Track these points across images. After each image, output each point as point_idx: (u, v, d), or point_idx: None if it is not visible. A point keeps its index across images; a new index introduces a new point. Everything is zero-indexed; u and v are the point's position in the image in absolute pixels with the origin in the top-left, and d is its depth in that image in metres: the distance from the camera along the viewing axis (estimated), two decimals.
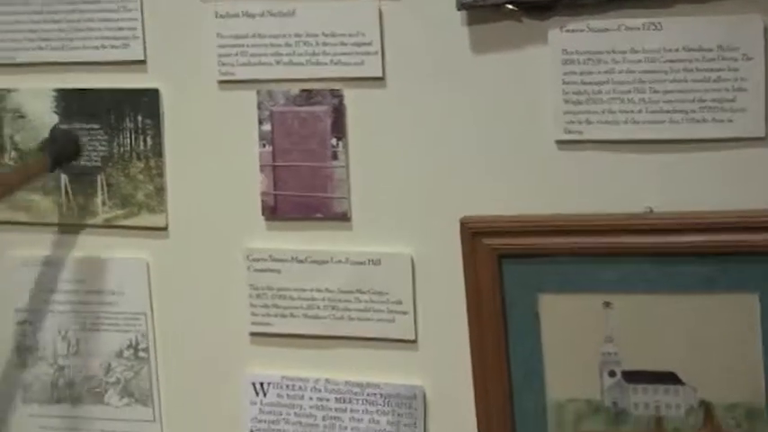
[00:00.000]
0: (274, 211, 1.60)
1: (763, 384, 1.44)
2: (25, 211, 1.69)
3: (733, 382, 1.45)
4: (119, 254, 1.67)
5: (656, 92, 1.43)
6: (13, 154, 1.69)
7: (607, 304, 1.47)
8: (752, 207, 1.42)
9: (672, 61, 1.42)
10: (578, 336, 1.49)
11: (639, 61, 1.43)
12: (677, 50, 1.42)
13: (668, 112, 1.43)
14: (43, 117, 1.67)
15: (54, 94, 1.66)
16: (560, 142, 1.47)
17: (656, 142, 1.44)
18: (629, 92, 1.44)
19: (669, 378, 1.47)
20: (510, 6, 1.44)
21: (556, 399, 1.51)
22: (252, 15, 1.56)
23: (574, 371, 1.50)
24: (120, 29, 1.61)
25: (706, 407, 1.46)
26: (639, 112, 1.44)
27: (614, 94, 1.45)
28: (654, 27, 1.42)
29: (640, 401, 1.48)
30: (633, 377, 1.48)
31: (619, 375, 1.48)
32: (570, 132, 1.47)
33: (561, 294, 1.49)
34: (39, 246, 1.70)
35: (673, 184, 1.45)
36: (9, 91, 1.68)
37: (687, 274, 1.44)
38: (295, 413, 1.62)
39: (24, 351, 1.72)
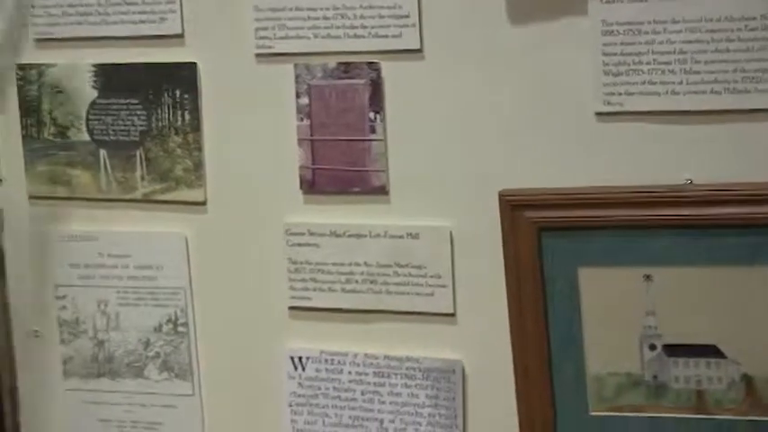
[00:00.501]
0: (312, 185, 1.60)
1: None
2: (65, 185, 1.70)
3: None
4: (157, 228, 1.68)
5: (697, 62, 1.42)
6: (52, 129, 1.69)
7: (647, 277, 1.46)
8: None
9: (713, 31, 1.41)
10: (618, 309, 1.48)
11: (680, 31, 1.42)
12: (719, 20, 1.40)
13: (709, 82, 1.42)
14: (81, 92, 1.67)
15: (92, 68, 1.66)
16: (600, 114, 1.46)
17: (697, 113, 1.43)
18: (670, 63, 1.43)
19: (711, 351, 1.46)
20: None
21: (595, 372, 1.50)
22: None
23: (614, 344, 1.49)
24: (158, 2, 1.61)
25: (748, 381, 1.45)
26: (680, 83, 1.43)
27: (654, 65, 1.43)
28: None
29: (681, 375, 1.48)
30: (674, 350, 1.47)
31: (659, 349, 1.48)
32: (610, 104, 1.46)
33: (601, 267, 1.48)
34: (78, 220, 1.71)
35: (713, 155, 1.43)
36: (48, 66, 1.69)
37: (728, 246, 1.43)
38: (334, 387, 1.62)
39: (64, 325, 1.73)
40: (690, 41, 1.41)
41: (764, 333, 1.43)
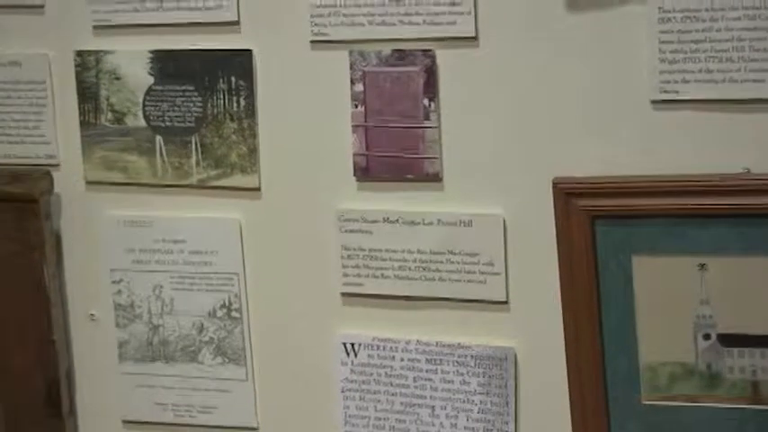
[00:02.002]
0: (366, 172, 1.60)
1: None
2: (121, 171, 1.71)
3: None
4: (212, 214, 1.68)
5: (755, 50, 1.40)
6: (109, 115, 1.70)
7: (702, 266, 1.45)
8: None
9: None
10: (672, 298, 1.47)
11: (738, 18, 1.40)
12: None
13: None
14: (138, 79, 1.68)
15: (149, 55, 1.67)
16: (656, 102, 1.46)
17: (755, 101, 1.42)
18: (728, 50, 1.42)
19: (766, 342, 1.45)
20: None
21: (648, 361, 1.50)
22: None
23: (667, 333, 1.48)
24: None
25: None
26: (738, 70, 1.41)
27: (712, 53, 1.42)
28: None
29: (736, 365, 1.47)
30: (729, 340, 1.46)
31: (714, 338, 1.47)
32: (666, 92, 1.45)
33: (655, 256, 1.47)
34: (134, 206, 1.72)
35: None
36: (105, 53, 1.70)
37: None
38: (386, 373, 1.63)
39: (120, 309, 1.74)
40: (748, 29, 1.40)
41: None
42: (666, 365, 1.49)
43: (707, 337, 1.47)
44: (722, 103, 1.43)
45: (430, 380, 1.60)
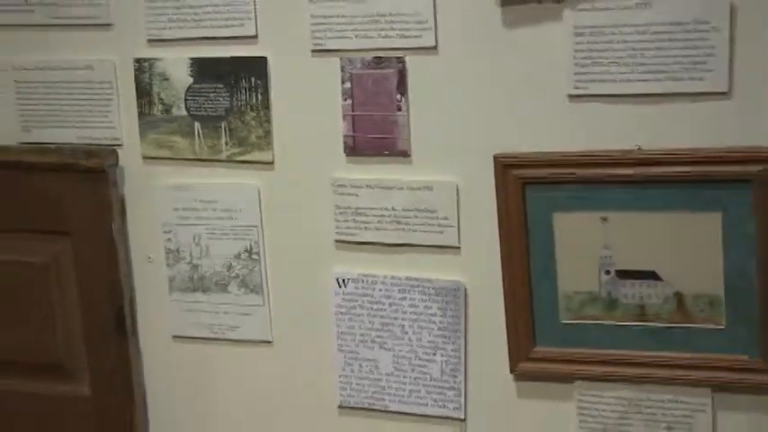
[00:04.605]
0: (353, 150, 1.59)
1: (722, 280, 1.42)
2: (169, 149, 1.70)
3: (699, 278, 1.43)
4: (237, 181, 1.67)
5: (645, 57, 1.41)
6: (160, 107, 1.69)
7: (604, 219, 1.46)
8: (717, 145, 1.39)
9: (657, 33, 1.40)
10: (582, 244, 1.48)
11: (632, 33, 1.41)
12: (662, 24, 1.39)
13: (654, 72, 1.41)
14: (181, 79, 1.67)
15: (189, 61, 1.66)
16: (571, 96, 1.46)
17: (645, 95, 1.42)
18: (624, 57, 1.42)
19: (651, 275, 1.45)
20: None
21: (565, 291, 1.50)
22: (336, 1, 1.55)
23: (579, 270, 1.49)
24: (238, 12, 1.60)
25: (679, 297, 1.45)
26: (632, 72, 1.42)
27: (613, 59, 1.43)
28: (644, 6, 1.39)
29: (629, 293, 1.47)
30: (624, 275, 1.47)
31: (613, 273, 1.47)
32: (579, 89, 1.45)
33: (570, 213, 1.48)
34: (179, 175, 1.70)
35: (657, 127, 1.43)
36: (157, 60, 1.68)
37: (667, 196, 1.42)
38: (368, 301, 1.62)
39: (169, 254, 1.73)
40: (640, 41, 1.41)
41: (692, 261, 1.43)
42: (578, 294, 1.50)
43: (608, 272, 1.47)
44: (620, 97, 1.43)
45: (401, 305, 1.60)
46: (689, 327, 1.45)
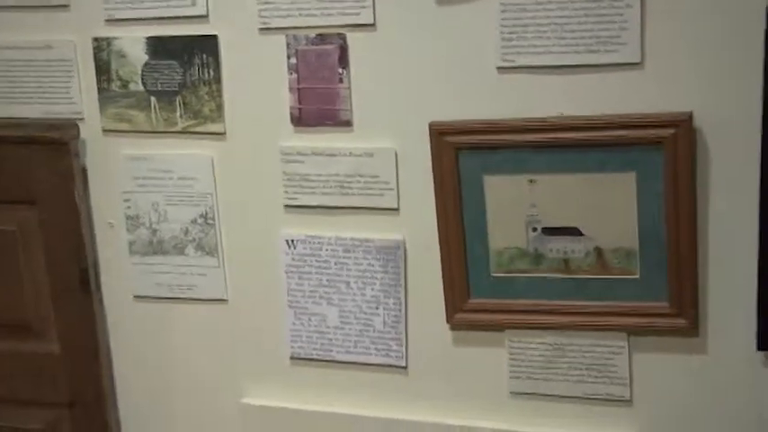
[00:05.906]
0: (299, 120, 1.55)
1: (637, 235, 1.41)
2: (127, 122, 1.64)
3: (617, 233, 1.42)
4: (192, 151, 1.62)
5: (565, 31, 1.38)
6: (118, 83, 1.63)
7: (531, 181, 1.44)
8: (632, 112, 1.37)
9: (577, 9, 1.37)
10: (511, 203, 1.45)
11: (554, 9, 1.38)
12: (581, 1, 1.36)
13: (574, 45, 1.38)
14: (138, 56, 1.61)
15: (145, 40, 1.60)
16: (499, 68, 1.43)
17: (566, 67, 1.40)
18: (547, 31, 1.39)
19: (573, 231, 1.44)
20: None
21: (496, 247, 1.48)
22: None
23: (508, 227, 1.47)
24: None
25: (598, 251, 1.43)
26: (554, 45, 1.39)
27: (537, 33, 1.40)
28: None
29: (553, 248, 1.46)
30: (549, 231, 1.45)
31: (539, 230, 1.45)
32: (506, 61, 1.42)
33: (499, 175, 1.45)
34: (137, 147, 1.65)
35: (577, 95, 1.40)
36: (115, 38, 1.62)
37: (587, 159, 1.40)
38: (315, 260, 1.59)
39: (129, 220, 1.69)
40: (561, 16, 1.38)
41: (610, 218, 1.41)
42: (508, 249, 1.48)
43: (534, 229, 1.45)
44: (544, 68, 1.40)
45: (346, 263, 1.57)
46: (608, 278, 1.44)
